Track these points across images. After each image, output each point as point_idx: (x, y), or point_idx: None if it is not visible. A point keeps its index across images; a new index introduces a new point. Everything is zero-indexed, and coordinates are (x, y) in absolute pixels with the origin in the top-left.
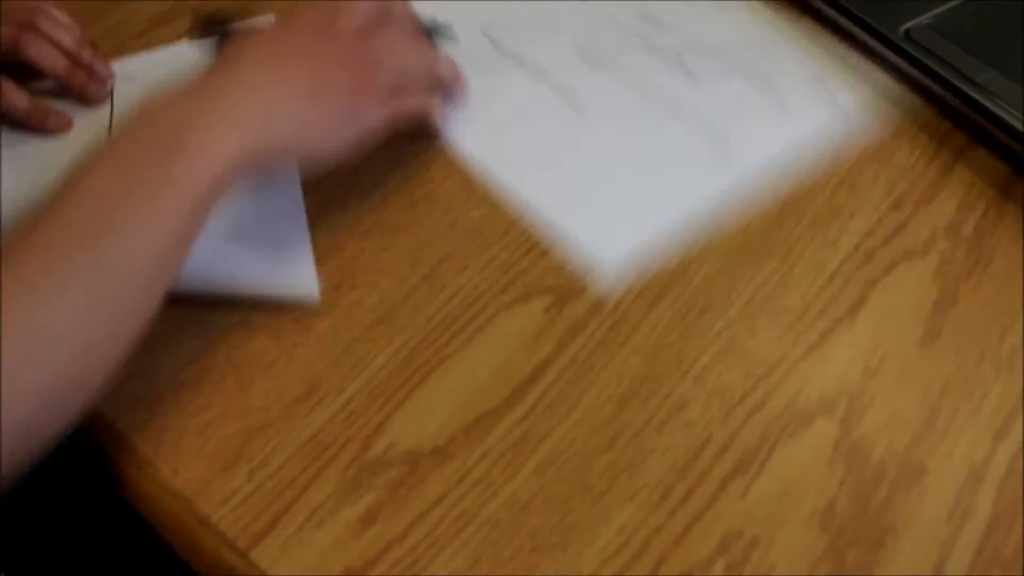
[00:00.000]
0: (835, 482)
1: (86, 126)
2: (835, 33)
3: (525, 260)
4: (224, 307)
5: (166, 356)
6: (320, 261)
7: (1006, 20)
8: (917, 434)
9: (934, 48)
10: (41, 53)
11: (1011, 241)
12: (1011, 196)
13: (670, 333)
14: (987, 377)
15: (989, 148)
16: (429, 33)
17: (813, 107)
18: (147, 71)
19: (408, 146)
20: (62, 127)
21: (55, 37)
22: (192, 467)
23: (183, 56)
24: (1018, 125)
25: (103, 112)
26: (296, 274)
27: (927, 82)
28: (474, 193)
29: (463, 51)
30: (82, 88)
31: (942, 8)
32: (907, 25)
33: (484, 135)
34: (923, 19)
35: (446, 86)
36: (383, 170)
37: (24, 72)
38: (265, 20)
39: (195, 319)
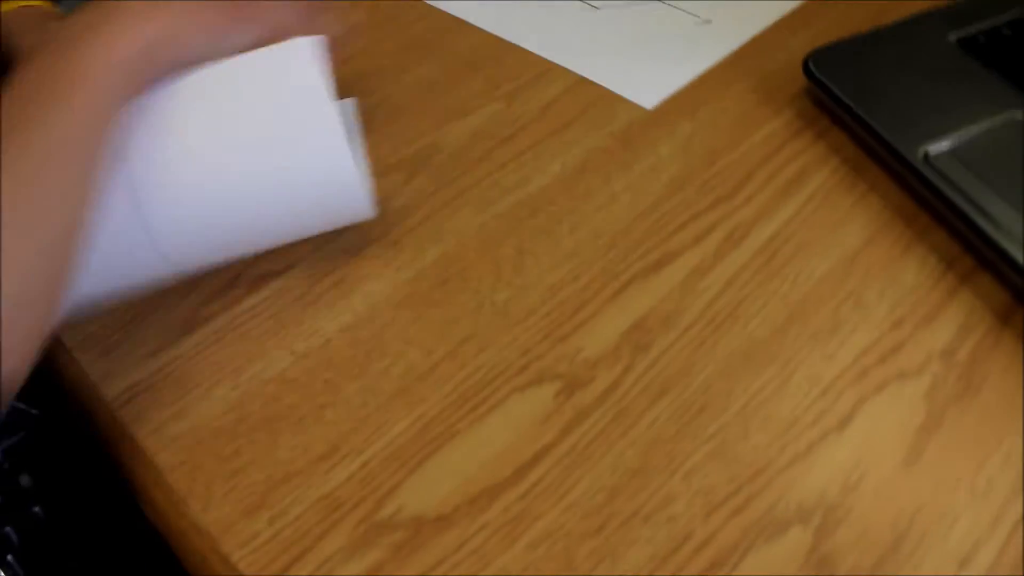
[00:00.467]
0: None
1: None
2: (857, 144)
3: (543, 345)
4: (263, 361)
5: (207, 403)
6: (355, 327)
7: None
8: (884, 554)
9: (950, 173)
10: None
11: (1002, 370)
12: (1010, 324)
13: (667, 430)
14: (960, 504)
15: (994, 274)
16: None
17: None
18: None
19: (447, 222)
20: None
21: None
22: (220, 508)
23: None
24: (1019, 259)
25: None
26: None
27: (939, 206)
28: (501, 276)
29: None
30: None
31: (965, 133)
32: (927, 147)
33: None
34: (944, 142)
35: None
36: (423, 245)
37: None
38: None
39: (236, 369)
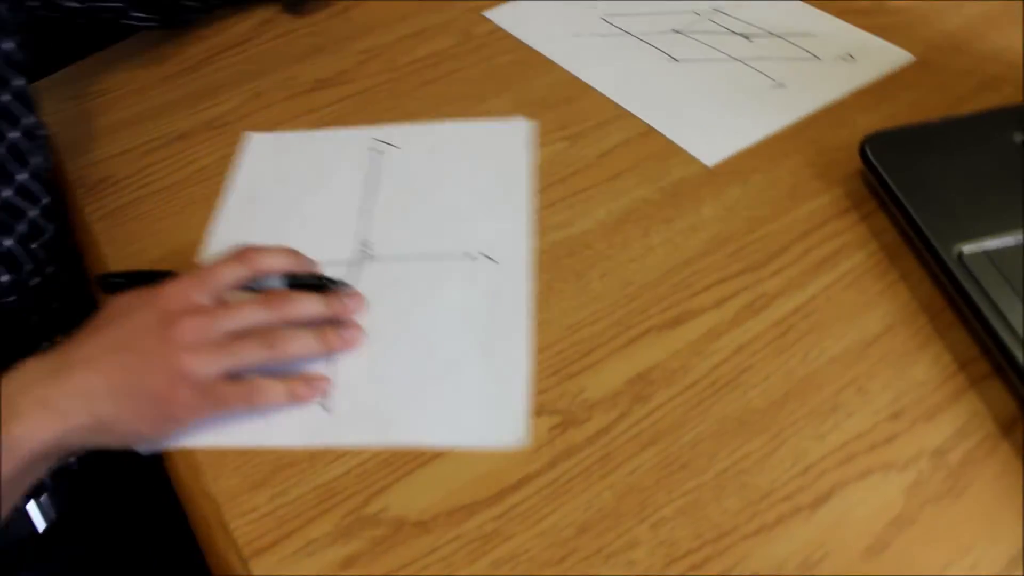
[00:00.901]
0: None
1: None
2: (898, 231)
3: (550, 380)
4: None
5: None
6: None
7: None
8: None
9: (981, 275)
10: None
11: (991, 478)
12: (1010, 435)
13: (646, 478)
14: None
15: (1006, 382)
16: (319, 287)
17: None
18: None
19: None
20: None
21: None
22: (229, 479)
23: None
24: None
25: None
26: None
27: (964, 306)
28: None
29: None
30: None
31: (1006, 239)
32: (964, 246)
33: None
34: (983, 243)
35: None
36: None
37: None
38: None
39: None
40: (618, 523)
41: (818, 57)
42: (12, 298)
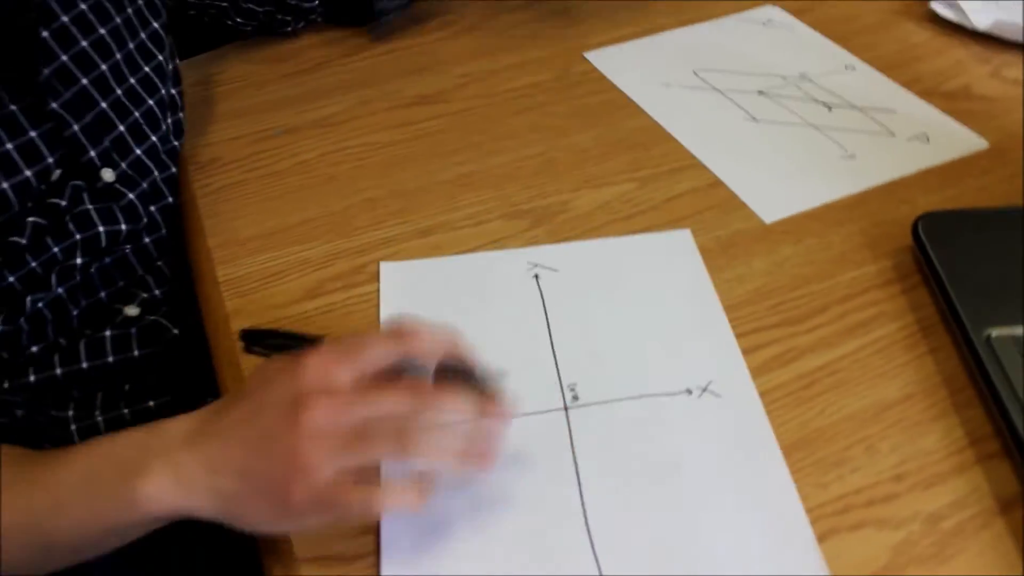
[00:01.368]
0: None
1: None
2: (936, 308)
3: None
4: None
5: None
6: None
7: None
8: None
9: (1004, 359)
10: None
11: (979, 552)
12: (1007, 514)
13: None
14: None
15: (1013, 465)
16: (470, 377)
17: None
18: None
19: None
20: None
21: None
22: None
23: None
24: None
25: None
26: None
27: (983, 386)
28: None
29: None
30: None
31: None
32: (994, 330)
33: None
34: (1013, 330)
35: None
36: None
37: None
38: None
39: None
40: None
41: (893, 134)
42: (128, 247)
